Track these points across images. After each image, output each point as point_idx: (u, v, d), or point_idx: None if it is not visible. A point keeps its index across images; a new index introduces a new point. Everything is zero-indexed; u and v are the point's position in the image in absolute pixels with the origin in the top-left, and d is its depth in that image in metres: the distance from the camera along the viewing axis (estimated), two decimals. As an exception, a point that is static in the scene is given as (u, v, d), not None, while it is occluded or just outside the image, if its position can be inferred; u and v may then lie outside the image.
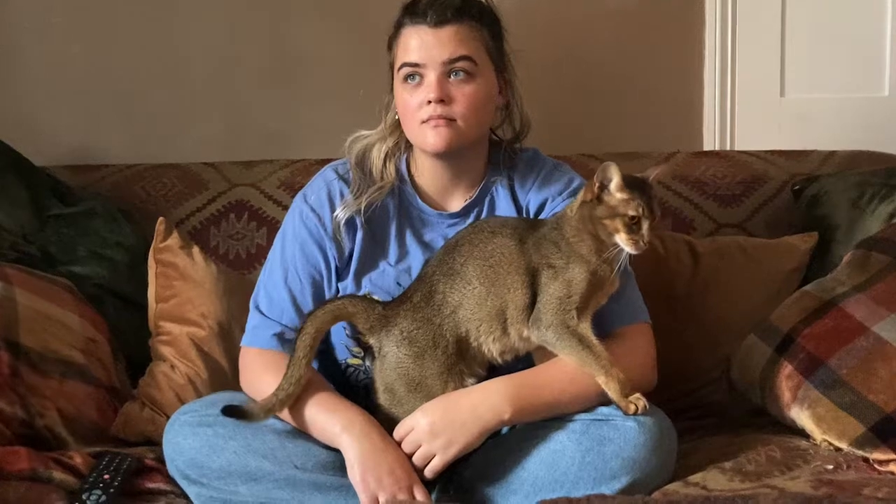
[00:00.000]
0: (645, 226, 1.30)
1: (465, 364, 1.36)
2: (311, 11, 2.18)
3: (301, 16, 2.18)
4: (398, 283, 1.45)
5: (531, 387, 1.33)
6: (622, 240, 1.31)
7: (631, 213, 1.30)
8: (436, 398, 1.34)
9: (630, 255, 1.32)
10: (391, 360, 1.37)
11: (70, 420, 1.52)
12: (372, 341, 1.39)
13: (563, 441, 1.31)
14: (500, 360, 1.37)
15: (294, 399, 1.35)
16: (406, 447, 1.33)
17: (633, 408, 1.31)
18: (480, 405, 1.31)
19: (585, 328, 1.33)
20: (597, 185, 1.32)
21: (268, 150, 2.06)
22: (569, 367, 1.33)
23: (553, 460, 1.31)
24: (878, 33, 2.28)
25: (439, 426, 1.31)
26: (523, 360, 1.39)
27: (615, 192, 1.31)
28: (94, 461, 1.41)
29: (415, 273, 1.44)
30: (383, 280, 1.45)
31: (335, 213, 1.46)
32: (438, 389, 1.34)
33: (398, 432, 1.34)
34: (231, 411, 1.34)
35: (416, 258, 1.46)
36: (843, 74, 2.29)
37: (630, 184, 1.32)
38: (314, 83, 2.19)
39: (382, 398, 1.38)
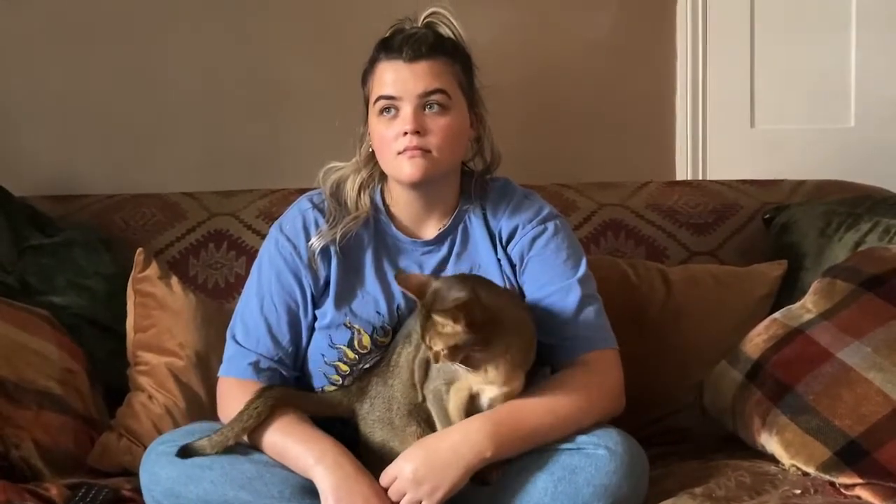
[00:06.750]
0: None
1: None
2: (292, 41, 2.20)
3: (282, 46, 2.21)
4: (377, 311, 1.46)
5: (510, 422, 1.34)
6: None
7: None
8: (416, 443, 1.35)
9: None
10: (369, 421, 1.42)
11: (46, 451, 1.51)
12: (356, 407, 1.44)
13: (534, 471, 1.32)
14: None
15: (248, 432, 1.37)
16: (392, 496, 1.33)
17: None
18: (462, 445, 1.32)
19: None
20: None
21: (248, 179, 2.07)
22: (543, 399, 1.35)
23: (526, 491, 1.32)
24: (843, 67, 2.33)
25: (422, 472, 1.31)
26: None
27: None
28: (69, 493, 1.40)
29: (396, 300, 1.46)
30: (363, 309, 1.47)
31: (310, 242, 1.47)
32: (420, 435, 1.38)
33: (383, 480, 1.34)
34: (184, 452, 1.35)
35: (393, 286, 1.48)
36: (810, 106, 2.34)
37: None
38: (295, 112, 2.20)
39: (373, 449, 1.41)
